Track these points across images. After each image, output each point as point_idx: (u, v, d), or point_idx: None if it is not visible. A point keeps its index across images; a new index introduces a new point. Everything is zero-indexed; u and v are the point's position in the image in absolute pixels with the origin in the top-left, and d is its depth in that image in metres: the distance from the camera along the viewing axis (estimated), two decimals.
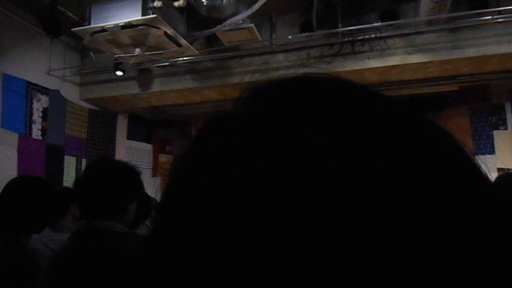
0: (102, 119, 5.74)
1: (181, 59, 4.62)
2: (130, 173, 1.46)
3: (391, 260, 0.18)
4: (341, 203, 0.19)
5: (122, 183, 1.40)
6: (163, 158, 6.70)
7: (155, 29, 3.47)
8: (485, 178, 0.23)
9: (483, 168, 0.23)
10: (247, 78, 4.54)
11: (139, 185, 1.49)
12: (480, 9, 3.92)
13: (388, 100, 0.24)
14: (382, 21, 4.25)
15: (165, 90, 5.14)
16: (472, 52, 4.10)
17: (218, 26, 3.83)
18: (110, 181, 1.39)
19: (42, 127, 4.75)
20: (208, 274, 0.20)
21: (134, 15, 3.44)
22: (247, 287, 0.19)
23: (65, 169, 5.02)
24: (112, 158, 1.73)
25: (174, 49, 3.80)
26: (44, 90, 4.80)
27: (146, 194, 2.39)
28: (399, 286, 0.18)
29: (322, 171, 0.20)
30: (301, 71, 0.27)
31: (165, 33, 3.55)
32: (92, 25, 3.55)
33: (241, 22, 3.89)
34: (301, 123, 0.22)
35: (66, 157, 5.07)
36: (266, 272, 0.18)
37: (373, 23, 4.26)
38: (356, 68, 4.40)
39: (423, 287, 0.18)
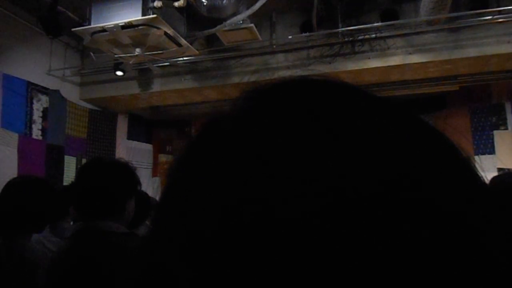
0: (102, 119, 5.74)
1: (181, 59, 4.62)
2: (124, 171, 1.43)
3: (382, 259, 0.18)
4: (333, 203, 0.19)
5: (116, 181, 1.38)
6: (163, 158, 6.71)
7: (155, 29, 3.47)
8: (479, 180, 0.23)
9: (480, 169, 0.23)
10: (247, 78, 4.54)
11: (135, 181, 1.45)
12: (480, 9, 3.92)
13: (383, 102, 0.24)
14: (382, 21, 4.25)
15: (165, 90, 5.14)
16: (472, 52, 4.10)
17: (218, 26, 3.83)
18: (104, 181, 1.36)
19: (42, 127, 4.75)
20: (204, 275, 0.19)
21: (134, 15, 3.44)
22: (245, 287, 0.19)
23: (65, 169, 5.02)
24: (105, 158, 1.71)
25: (174, 49, 3.80)
26: (44, 90, 4.80)
27: (146, 194, 2.39)
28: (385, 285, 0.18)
29: (313, 172, 0.20)
30: (301, 71, 0.27)
31: (165, 33, 3.55)
32: (92, 25, 3.54)
33: (241, 22, 3.89)
34: (295, 126, 0.22)
35: (66, 157, 5.07)
36: (263, 273, 0.18)
37: (373, 23, 4.25)
38: (356, 68, 4.40)
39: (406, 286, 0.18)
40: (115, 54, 3.92)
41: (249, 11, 3.65)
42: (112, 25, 3.44)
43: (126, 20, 3.41)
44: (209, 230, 0.20)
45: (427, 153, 0.22)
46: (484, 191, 0.22)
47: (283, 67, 4.59)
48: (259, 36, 4.22)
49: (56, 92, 4.97)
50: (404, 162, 0.20)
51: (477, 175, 0.23)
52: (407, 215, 0.19)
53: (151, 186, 6.11)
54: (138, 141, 6.41)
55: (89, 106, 5.53)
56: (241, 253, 0.19)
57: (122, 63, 4.48)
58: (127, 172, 1.43)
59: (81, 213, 1.39)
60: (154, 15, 3.37)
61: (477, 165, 0.23)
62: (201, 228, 0.20)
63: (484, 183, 0.23)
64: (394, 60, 4.30)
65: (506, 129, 5.43)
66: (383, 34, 4.25)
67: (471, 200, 0.21)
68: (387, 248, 0.18)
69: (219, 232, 0.20)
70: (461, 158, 0.23)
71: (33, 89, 4.64)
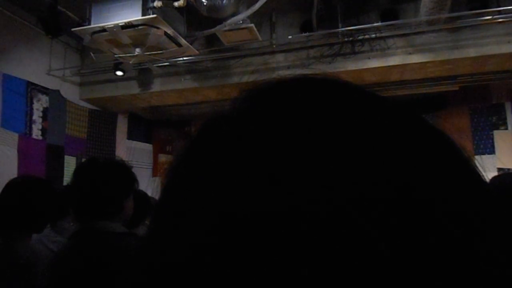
0: (102, 119, 5.74)
1: (181, 59, 4.62)
2: (120, 170, 1.41)
3: (383, 260, 0.18)
4: (332, 204, 0.19)
5: (112, 181, 1.37)
6: (163, 158, 6.70)
7: (155, 29, 3.47)
8: (482, 181, 0.23)
9: (481, 170, 0.23)
10: (246, 78, 4.53)
11: (131, 180, 1.44)
12: (480, 9, 3.92)
13: (385, 101, 0.24)
14: (382, 21, 4.25)
15: (165, 90, 5.14)
16: (472, 52, 4.10)
17: (218, 26, 3.83)
18: (99, 181, 1.35)
19: (42, 127, 4.75)
20: (206, 274, 0.19)
21: (134, 15, 3.44)
22: (246, 287, 0.19)
23: (65, 169, 5.02)
24: (100, 157, 1.71)
25: (174, 49, 3.80)
26: (44, 90, 4.80)
27: (145, 193, 2.39)
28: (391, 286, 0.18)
29: (312, 172, 0.20)
30: (301, 71, 0.27)
31: (165, 33, 3.55)
32: (92, 25, 3.54)
33: (241, 22, 3.89)
34: (294, 126, 0.22)
35: (66, 157, 5.07)
36: (266, 272, 0.18)
37: (373, 23, 4.25)
38: (356, 68, 4.40)
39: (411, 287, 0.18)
40: (115, 54, 3.92)
41: (249, 11, 3.65)
42: (112, 25, 3.44)
43: (126, 20, 3.41)
44: (207, 231, 0.20)
45: (429, 152, 0.22)
46: (485, 190, 0.22)
47: (283, 67, 4.59)
48: (259, 36, 4.22)
49: (56, 92, 4.97)
50: (406, 162, 0.20)
51: (479, 174, 0.23)
52: (409, 215, 0.19)
53: (151, 186, 6.11)
54: (138, 141, 6.41)
55: (89, 106, 5.52)
56: (242, 252, 0.19)
57: (122, 63, 4.48)
58: (123, 171, 1.42)
59: (78, 214, 1.38)
60: (154, 15, 3.37)
61: (477, 165, 0.23)
62: (200, 229, 0.20)
63: (486, 182, 0.23)
64: (394, 60, 4.31)
65: (506, 129, 5.43)
66: (383, 34, 4.25)
67: (472, 199, 0.21)
68: (388, 249, 0.18)
69: (217, 233, 0.20)
70: (463, 158, 0.23)
71: (33, 89, 4.64)
